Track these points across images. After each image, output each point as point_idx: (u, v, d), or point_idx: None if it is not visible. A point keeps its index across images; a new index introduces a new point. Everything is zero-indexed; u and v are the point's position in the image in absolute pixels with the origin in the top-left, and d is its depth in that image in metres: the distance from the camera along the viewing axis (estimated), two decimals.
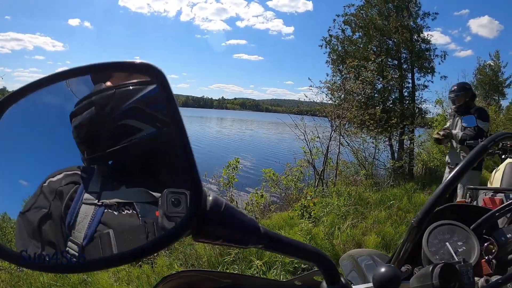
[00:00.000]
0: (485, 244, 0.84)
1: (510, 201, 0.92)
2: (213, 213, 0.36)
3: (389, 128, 10.06)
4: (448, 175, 3.63)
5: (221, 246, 3.75)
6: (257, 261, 3.48)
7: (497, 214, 0.88)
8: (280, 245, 0.43)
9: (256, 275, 3.33)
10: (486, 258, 0.83)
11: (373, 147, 9.16)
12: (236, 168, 5.94)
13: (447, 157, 4.68)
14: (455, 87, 4.52)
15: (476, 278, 0.63)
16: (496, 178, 2.87)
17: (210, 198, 0.37)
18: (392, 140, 10.77)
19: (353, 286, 0.70)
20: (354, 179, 7.75)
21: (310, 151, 7.59)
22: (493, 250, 0.83)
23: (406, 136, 10.56)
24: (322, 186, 7.14)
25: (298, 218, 4.86)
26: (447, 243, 0.84)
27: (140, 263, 3.57)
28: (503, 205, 0.90)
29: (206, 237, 0.37)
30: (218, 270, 3.42)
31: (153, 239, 0.40)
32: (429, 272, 0.56)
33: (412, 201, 6.41)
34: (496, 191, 2.31)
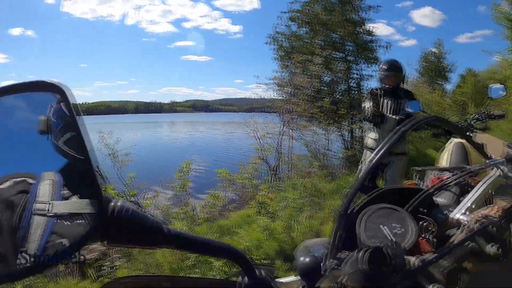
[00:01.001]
0: (423, 223, 0.84)
1: (444, 178, 0.92)
2: (117, 218, 0.38)
3: (338, 119, 10.31)
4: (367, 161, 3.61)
5: (180, 252, 3.71)
6: (216, 262, 3.42)
7: (435, 192, 0.89)
8: (189, 244, 0.43)
9: (217, 276, 3.27)
10: (426, 237, 0.83)
11: (324, 138, 9.34)
12: (188, 172, 5.86)
13: (370, 141, 4.25)
14: (393, 64, 4.08)
15: (411, 258, 0.62)
16: (443, 158, 2.98)
17: (112, 204, 0.39)
18: (343, 130, 11.06)
19: (282, 279, 0.72)
20: (308, 171, 7.84)
21: (262, 147, 7.62)
22: (431, 229, 0.83)
23: (356, 125, 10.87)
24: (277, 181, 7.20)
25: (255, 215, 4.85)
26: (383, 227, 0.83)
27: (100, 278, 3.54)
28: (437, 182, 0.91)
29: (116, 241, 0.39)
30: (179, 275, 3.34)
31: (65, 246, 0.40)
32: (358, 257, 0.55)
33: None
34: (443, 170, 2.37)
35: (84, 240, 0.38)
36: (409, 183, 2.72)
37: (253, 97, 9.13)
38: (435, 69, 32.92)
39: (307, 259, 0.52)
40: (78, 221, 0.45)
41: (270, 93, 9.34)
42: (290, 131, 8.26)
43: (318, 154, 8.96)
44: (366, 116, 4.10)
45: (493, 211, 0.68)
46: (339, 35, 12.88)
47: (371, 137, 4.31)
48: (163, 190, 6.56)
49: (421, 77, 29.31)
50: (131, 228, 0.39)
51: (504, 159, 0.73)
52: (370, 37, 13.55)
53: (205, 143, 30.28)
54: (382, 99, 4.05)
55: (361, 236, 0.82)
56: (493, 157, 0.81)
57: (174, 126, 79.92)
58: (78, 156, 0.40)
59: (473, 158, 2.84)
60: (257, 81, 8.92)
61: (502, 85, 3.39)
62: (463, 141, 2.96)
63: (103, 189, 0.40)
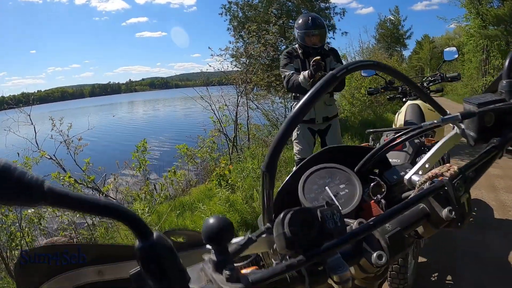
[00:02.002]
0: (372, 184, 0.81)
1: (392, 137, 0.87)
2: None
3: None
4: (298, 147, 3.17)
5: None
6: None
7: (386, 151, 0.84)
8: (67, 201, 0.37)
9: None
10: (375, 198, 0.80)
11: (282, 107, 9.31)
12: (145, 150, 5.73)
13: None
14: (317, 20, 3.45)
15: (350, 221, 0.57)
16: (399, 120, 3.01)
17: None
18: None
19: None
20: (266, 140, 7.78)
21: (219, 119, 7.52)
22: (382, 190, 0.81)
23: None
24: (237, 152, 7.18)
25: (216, 188, 4.80)
26: (326, 188, 0.80)
27: None
28: (385, 142, 0.84)
29: None
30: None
31: None
32: (280, 220, 0.48)
33: None
34: (397, 130, 2.36)
35: None
36: (363, 145, 2.72)
37: (211, 71, 8.87)
38: (391, 36, 33.95)
39: (212, 221, 0.43)
40: None
41: (227, 65, 9.11)
42: (248, 101, 8.16)
43: (278, 123, 8.93)
44: (297, 84, 3.34)
45: (446, 169, 0.62)
46: (293, 3, 12.80)
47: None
48: (123, 172, 6.41)
49: (378, 43, 30.05)
50: (10, 184, 0.34)
51: (459, 114, 0.65)
52: (325, 4, 13.57)
53: (165, 121, 29.92)
54: (304, 59, 3.49)
55: (300, 197, 0.78)
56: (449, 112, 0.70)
57: (133, 106, 78.09)
58: None
59: (428, 118, 2.88)
60: (212, 53, 8.64)
61: (455, 48, 3.51)
62: (418, 102, 3.00)
63: None
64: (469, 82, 26.52)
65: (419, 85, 3.35)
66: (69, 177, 5.08)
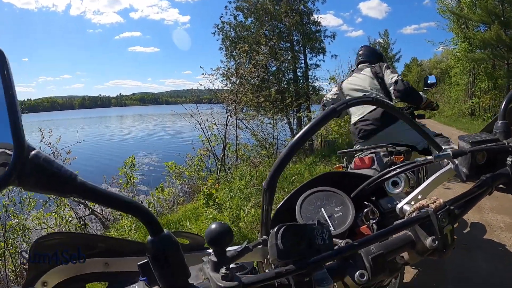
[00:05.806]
0: (365, 210, 0.87)
1: (387, 170, 0.92)
2: (33, 165, 0.39)
3: (285, 108, 10.42)
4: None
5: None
6: None
7: (380, 179, 0.87)
8: (95, 195, 0.44)
9: None
10: (368, 223, 0.86)
11: (271, 127, 9.39)
12: (133, 166, 5.74)
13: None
14: None
15: (339, 241, 0.61)
16: None
17: (32, 152, 0.39)
18: (290, 118, 11.20)
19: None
20: (254, 160, 7.81)
21: (208, 138, 7.57)
22: (375, 216, 0.86)
23: (303, 113, 11.06)
24: (225, 172, 7.21)
25: (203, 207, 4.82)
26: (322, 209, 0.87)
27: None
28: (383, 172, 0.87)
29: (31, 187, 0.40)
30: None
31: None
32: (274, 232, 0.54)
33: (313, 174, 6.56)
34: (367, 149, 2.42)
35: (2, 183, 0.39)
36: (337, 166, 2.78)
37: (201, 88, 8.93)
38: None
39: (214, 226, 0.50)
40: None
41: (218, 84, 9.19)
42: (236, 121, 8.22)
43: (266, 143, 9.00)
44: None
45: (432, 201, 0.65)
46: (285, 25, 13.05)
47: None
48: (110, 188, 6.37)
49: None
50: (47, 176, 0.40)
51: (451, 152, 0.69)
52: (316, 27, 13.84)
53: (154, 137, 29.74)
54: None
55: (296, 215, 0.86)
56: (443, 147, 0.74)
57: (122, 121, 77.65)
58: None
59: None
60: (203, 72, 8.71)
61: (434, 76, 3.64)
62: None
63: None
64: (456, 104, 26.87)
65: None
66: None
